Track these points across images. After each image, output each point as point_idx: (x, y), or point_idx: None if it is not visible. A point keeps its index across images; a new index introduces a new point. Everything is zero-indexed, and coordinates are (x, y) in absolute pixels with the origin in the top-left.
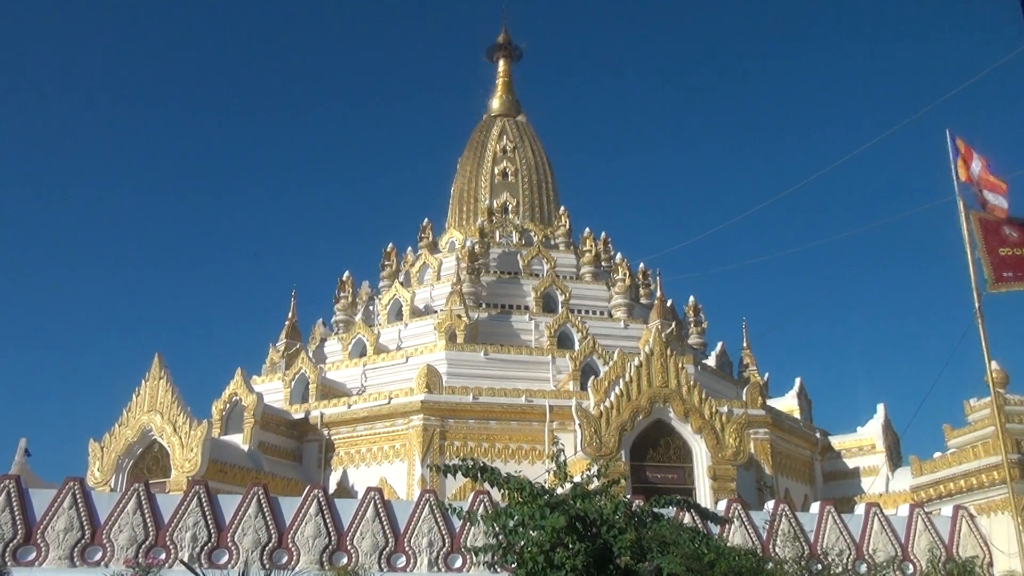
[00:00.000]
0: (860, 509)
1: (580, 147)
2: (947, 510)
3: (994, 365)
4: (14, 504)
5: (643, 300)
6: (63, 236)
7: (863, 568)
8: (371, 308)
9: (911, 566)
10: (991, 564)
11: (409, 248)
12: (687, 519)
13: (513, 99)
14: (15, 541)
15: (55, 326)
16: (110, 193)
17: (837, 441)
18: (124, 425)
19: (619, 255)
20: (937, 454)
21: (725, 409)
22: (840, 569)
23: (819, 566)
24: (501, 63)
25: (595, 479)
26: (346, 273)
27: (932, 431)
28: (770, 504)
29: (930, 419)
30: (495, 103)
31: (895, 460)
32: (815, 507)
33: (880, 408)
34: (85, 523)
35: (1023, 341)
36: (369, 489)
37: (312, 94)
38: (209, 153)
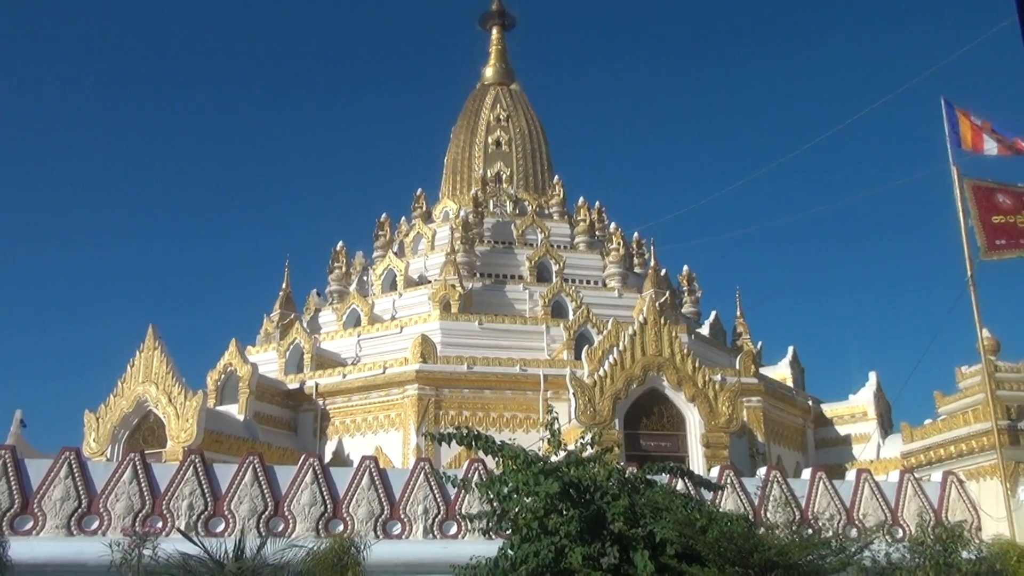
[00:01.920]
0: (851, 475)
1: (574, 116)
2: (937, 476)
3: (985, 332)
4: (10, 474)
5: (637, 269)
6: (57, 209)
7: (853, 532)
8: (365, 278)
9: (900, 530)
10: (979, 528)
11: (403, 218)
12: (680, 486)
13: (507, 68)
14: (12, 511)
15: (50, 298)
16: (104, 167)
17: (829, 409)
18: (119, 396)
19: (613, 224)
20: (928, 421)
21: (718, 377)
22: (830, 533)
23: (810, 531)
24: (494, 31)
25: (589, 447)
26: (340, 243)
27: (924, 398)
28: (762, 471)
29: (922, 386)
30: (488, 72)
31: (886, 427)
32: (806, 473)
33: (872, 376)
34: (82, 492)
35: (1015, 309)
36: (364, 457)
37: (304, 64)
38: (201, 125)
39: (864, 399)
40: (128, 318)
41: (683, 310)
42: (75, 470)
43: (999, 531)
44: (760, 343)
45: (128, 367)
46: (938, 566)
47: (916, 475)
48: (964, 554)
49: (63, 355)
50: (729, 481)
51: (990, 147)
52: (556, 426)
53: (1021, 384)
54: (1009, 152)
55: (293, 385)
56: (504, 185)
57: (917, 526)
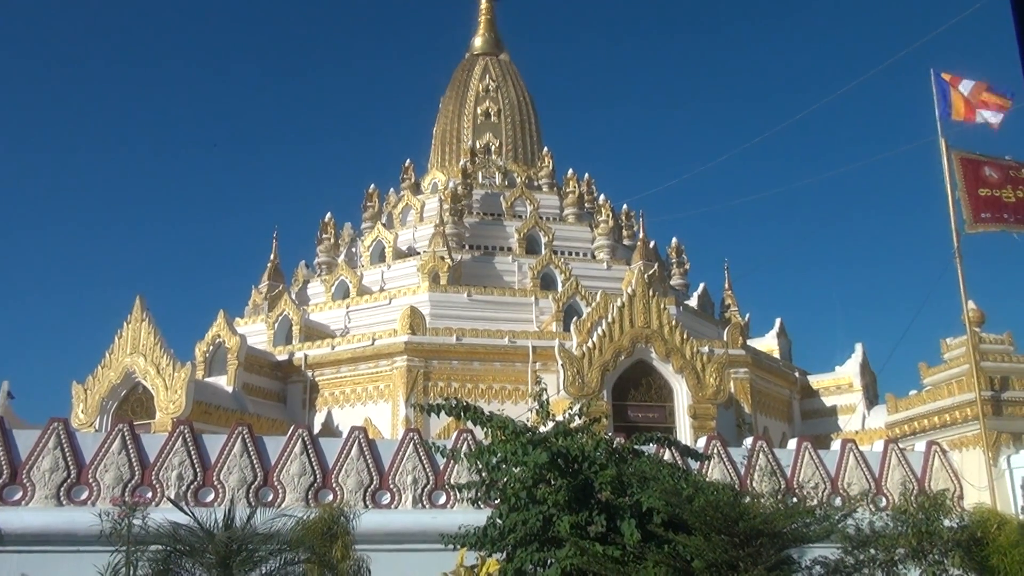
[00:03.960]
0: (836, 445)
1: (564, 87)
2: (920, 446)
3: (970, 304)
4: None
5: (626, 241)
6: (45, 179)
7: (837, 501)
8: (354, 250)
9: (884, 499)
10: (961, 497)
11: (392, 189)
12: (667, 456)
13: (496, 37)
14: (1, 481)
15: (37, 269)
16: (92, 140)
17: (815, 380)
18: (107, 367)
19: (602, 196)
20: (913, 392)
21: (706, 349)
22: (815, 502)
23: (795, 499)
24: (483, 0)
25: (577, 418)
26: (328, 214)
27: (909, 370)
28: (748, 441)
29: (907, 358)
30: (477, 41)
31: (872, 398)
32: (792, 443)
33: (858, 347)
34: (70, 463)
35: (1000, 281)
36: (354, 428)
37: (291, 35)
38: (189, 97)
39: (850, 370)
40: (115, 289)
41: (671, 282)
42: (64, 441)
43: (981, 499)
44: (748, 315)
45: (116, 338)
46: (920, 534)
47: (900, 445)
48: (946, 522)
49: (50, 326)
50: (716, 451)
51: (981, 119)
52: (544, 397)
53: (1004, 355)
54: (999, 109)
55: (282, 356)
56: (493, 156)
57: (900, 495)
